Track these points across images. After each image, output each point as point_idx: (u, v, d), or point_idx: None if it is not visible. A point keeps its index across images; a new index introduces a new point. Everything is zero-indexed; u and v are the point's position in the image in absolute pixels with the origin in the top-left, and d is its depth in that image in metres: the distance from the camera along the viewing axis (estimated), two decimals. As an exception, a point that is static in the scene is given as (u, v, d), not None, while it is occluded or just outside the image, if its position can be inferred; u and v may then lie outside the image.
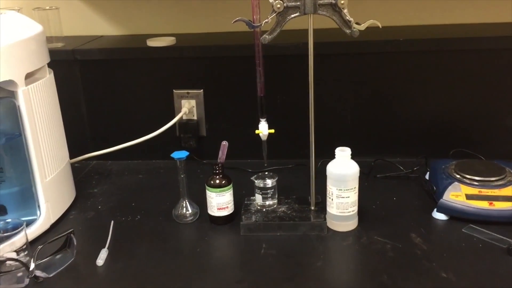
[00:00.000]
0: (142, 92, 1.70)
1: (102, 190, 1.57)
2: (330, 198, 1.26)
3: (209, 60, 1.65)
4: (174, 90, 1.68)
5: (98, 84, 1.70)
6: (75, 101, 1.72)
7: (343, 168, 1.24)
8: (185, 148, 1.68)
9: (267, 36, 1.16)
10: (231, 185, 1.32)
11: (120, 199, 1.50)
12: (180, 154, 1.32)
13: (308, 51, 1.20)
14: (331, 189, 1.25)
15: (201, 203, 1.35)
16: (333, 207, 1.26)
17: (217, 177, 1.30)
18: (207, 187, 1.31)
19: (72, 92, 1.70)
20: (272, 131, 1.29)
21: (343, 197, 1.24)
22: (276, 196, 1.34)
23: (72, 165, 1.67)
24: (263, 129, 1.28)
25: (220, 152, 1.31)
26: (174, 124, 1.66)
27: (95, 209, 1.45)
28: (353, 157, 1.26)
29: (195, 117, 1.69)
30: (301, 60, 1.25)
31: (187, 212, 1.35)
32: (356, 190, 1.25)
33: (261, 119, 1.28)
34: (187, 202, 1.36)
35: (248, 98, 1.45)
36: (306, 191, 1.36)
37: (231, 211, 1.33)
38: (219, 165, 1.31)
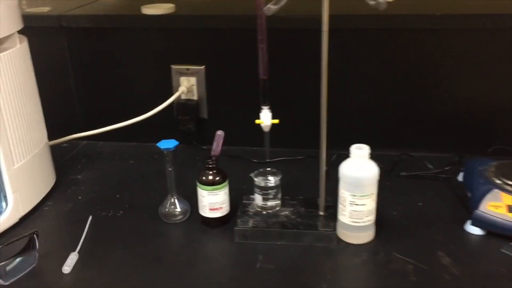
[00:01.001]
0: (136, 67, 1.50)
1: (86, 177, 1.39)
2: (342, 204, 1.06)
3: (213, 32, 1.44)
4: (172, 66, 1.48)
5: (87, 55, 1.51)
6: (62, 73, 1.53)
7: (359, 170, 1.02)
8: (183, 132, 1.49)
9: (271, 6, 0.94)
10: (226, 183, 1.12)
11: (104, 189, 1.32)
12: (167, 144, 1.12)
13: (321, 25, 0.97)
14: (344, 194, 1.04)
15: (196, 198, 1.15)
16: (345, 215, 1.05)
17: (210, 172, 1.11)
18: (198, 184, 1.12)
19: (59, 64, 1.52)
20: (276, 121, 1.08)
21: (358, 205, 1.03)
22: (280, 196, 1.14)
23: (59, 145, 1.50)
24: (265, 119, 1.07)
25: (214, 144, 1.11)
26: (171, 105, 1.46)
27: (74, 200, 1.27)
28: (374, 149, 1.04)
29: (195, 97, 1.49)
30: (315, 35, 1.03)
31: (176, 211, 1.16)
32: (374, 196, 1.04)
33: (263, 107, 1.07)
34: (176, 199, 1.17)
35: (257, 77, 1.24)
36: (315, 191, 1.16)
37: (226, 212, 1.13)
38: (213, 158, 1.11)
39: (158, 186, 1.29)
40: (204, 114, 1.51)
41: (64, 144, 1.54)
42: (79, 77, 1.54)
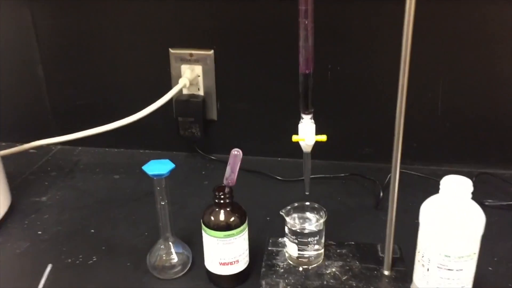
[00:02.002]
0: (123, 51, 1.13)
1: (53, 199, 1.03)
2: (423, 264, 0.69)
3: (225, 4, 1.06)
4: (170, 50, 1.10)
5: (58, 35, 1.14)
6: (26, 59, 1.16)
7: (458, 219, 0.65)
8: (185, 138, 1.13)
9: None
10: (245, 225, 0.76)
11: (75, 219, 0.97)
12: (158, 168, 0.76)
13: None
14: (429, 251, 0.68)
15: (201, 237, 0.79)
16: (428, 281, 0.69)
17: (222, 211, 0.75)
18: (203, 227, 0.76)
19: (22, 46, 1.15)
20: (324, 138, 0.71)
21: (452, 270, 0.67)
22: (323, 242, 0.78)
23: (25, 152, 1.14)
24: (307, 134, 0.70)
25: (229, 168, 0.75)
26: (170, 102, 1.09)
27: (31, 236, 0.92)
28: (442, 164, 0.69)
29: (200, 92, 1.12)
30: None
31: (171, 261, 0.80)
32: (476, 256, 0.67)
33: (303, 115, 0.71)
34: (172, 244, 0.81)
35: (284, 65, 0.87)
36: (368, 229, 0.82)
37: (243, 266, 0.78)
38: (226, 190, 0.75)
39: (151, 215, 0.93)
40: (213, 115, 1.14)
41: (32, 150, 1.18)
42: (48, 64, 1.17)
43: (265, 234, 0.86)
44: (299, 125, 0.72)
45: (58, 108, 1.21)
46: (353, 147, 1.13)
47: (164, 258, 0.80)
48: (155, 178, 0.76)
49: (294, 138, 0.71)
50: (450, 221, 0.65)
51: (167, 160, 0.77)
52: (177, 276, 0.81)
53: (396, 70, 0.63)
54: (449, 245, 0.66)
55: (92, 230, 0.93)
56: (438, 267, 0.67)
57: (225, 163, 0.86)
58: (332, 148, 1.12)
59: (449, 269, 0.67)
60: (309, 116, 0.70)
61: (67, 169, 1.15)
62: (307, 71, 0.67)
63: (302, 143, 0.72)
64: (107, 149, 1.22)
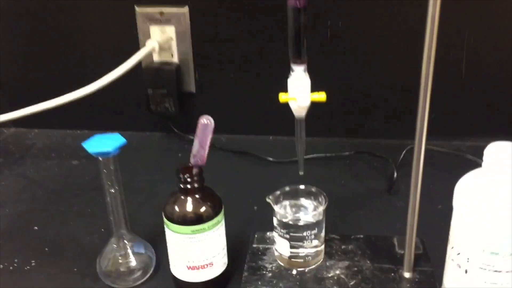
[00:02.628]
0: (81, 13, 0.94)
1: (-3, 190, 0.85)
2: (459, 264, 0.51)
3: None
4: (136, 8, 0.91)
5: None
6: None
7: (510, 203, 0.47)
8: (157, 114, 0.95)
9: None
10: (220, 217, 0.57)
11: (16, 213, 0.78)
12: (103, 144, 0.57)
13: None
14: (467, 247, 0.49)
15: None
16: (461, 282, 0.51)
17: (189, 199, 0.56)
18: (165, 221, 0.57)
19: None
20: (322, 97, 0.52)
21: (501, 272, 0.48)
22: (322, 236, 0.60)
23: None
24: (300, 92, 0.51)
25: (196, 143, 0.56)
26: (138, 70, 0.90)
27: (-38, 235, 0.73)
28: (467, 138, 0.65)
29: (175, 59, 0.93)
30: None
31: (128, 265, 0.62)
32: (533, 254, 0.49)
33: (294, 65, 0.52)
34: (128, 244, 0.63)
35: (275, 24, 0.69)
36: (381, 219, 0.64)
37: (219, 271, 0.59)
38: (194, 171, 0.56)
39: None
40: (190, 87, 0.95)
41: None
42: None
43: (252, 228, 0.68)
44: (289, 80, 0.53)
45: (7, 83, 1.02)
46: (359, 120, 0.94)
47: (119, 261, 0.62)
48: (100, 157, 0.57)
49: (282, 97, 0.52)
50: (500, 205, 0.47)
51: (117, 135, 0.59)
52: (137, 283, 0.63)
53: (407, 25, 0.45)
54: (497, 238, 0.47)
55: (36, 228, 0.74)
56: (481, 268, 0.49)
57: (178, 169, 0.68)
58: (333, 122, 0.95)
59: (496, 271, 0.48)
60: (302, 67, 0.52)
61: (18, 154, 0.96)
62: (297, 4, 0.48)
63: (293, 105, 0.53)
64: (68, 131, 1.03)
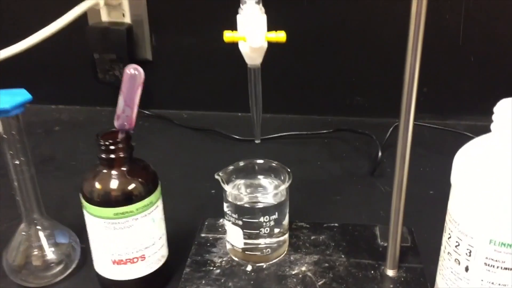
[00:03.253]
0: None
1: None
2: (458, 260, 0.39)
3: None
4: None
5: None
6: None
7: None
8: (108, 84, 0.82)
9: None
10: (155, 197, 0.45)
11: None
12: (2, 100, 0.44)
13: None
14: (468, 237, 0.37)
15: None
16: (460, 282, 0.38)
17: (113, 173, 0.44)
18: (83, 202, 0.45)
19: None
20: (282, 37, 0.40)
21: (510, 269, 0.36)
22: (285, 224, 0.47)
23: None
24: (251, 30, 0.39)
25: (122, 100, 0.43)
26: (80, 30, 0.77)
27: None
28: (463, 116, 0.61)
29: (126, 19, 0.80)
30: None
31: (43, 258, 0.50)
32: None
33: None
34: (42, 231, 0.50)
35: None
36: (362, 205, 0.53)
37: (155, 266, 0.47)
38: (120, 137, 0.44)
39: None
40: (146, 53, 0.83)
41: None
42: None
43: (207, 215, 0.56)
44: (238, 17, 0.40)
45: None
46: (340, 95, 0.82)
47: (33, 254, 0.49)
48: (-2, 118, 0.45)
49: (227, 35, 0.40)
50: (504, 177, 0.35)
51: (22, 90, 0.46)
52: (56, 280, 0.50)
53: None
54: (502, 220, 0.35)
55: None
56: (486, 263, 0.37)
57: (166, 120, 0.56)
58: (311, 98, 0.83)
59: (507, 268, 0.37)
60: (254, -1, 0.39)
61: None
62: None
63: (243, 47, 0.41)
64: None
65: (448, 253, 0.40)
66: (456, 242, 0.39)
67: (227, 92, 0.84)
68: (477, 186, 0.36)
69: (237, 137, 0.77)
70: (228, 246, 0.48)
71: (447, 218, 0.40)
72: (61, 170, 0.69)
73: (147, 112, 0.83)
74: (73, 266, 0.51)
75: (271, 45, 0.42)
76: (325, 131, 0.76)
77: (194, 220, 0.56)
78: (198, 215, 0.58)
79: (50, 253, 0.50)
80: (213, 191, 0.64)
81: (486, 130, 0.40)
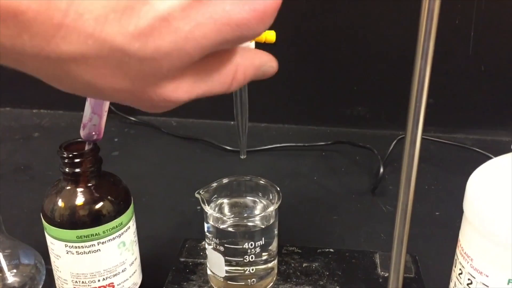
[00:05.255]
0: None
1: None
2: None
3: None
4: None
5: None
6: None
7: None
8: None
9: None
10: (126, 216, 0.39)
11: None
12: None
13: None
14: (485, 272, 0.32)
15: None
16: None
17: (78, 190, 0.38)
18: (44, 223, 0.39)
19: None
20: (271, 37, 0.34)
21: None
22: (275, 250, 0.42)
23: None
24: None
25: (89, 106, 0.38)
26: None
27: None
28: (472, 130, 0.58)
29: None
30: None
31: (3, 282, 0.44)
32: None
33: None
34: (0, 253, 0.44)
35: None
36: (361, 227, 0.47)
37: (127, 293, 0.41)
38: (86, 148, 0.38)
39: (13, 200, 0.58)
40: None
41: None
42: None
43: (190, 235, 0.50)
44: None
45: None
46: (340, 105, 0.77)
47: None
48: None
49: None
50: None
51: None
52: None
53: None
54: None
55: None
56: (505, 308, 0.32)
57: (153, 128, 0.51)
58: (309, 107, 0.77)
59: (530, 315, 0.31)
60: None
61: None
62: None
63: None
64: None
65: (456, 280, 0.35)
66: (469, 280, 0.34)
67: (219, 100, 0.78)
68: (495, 217, 0.31)
69: (228, 147, 0.72)
70: (209, 273, 0.43)
71: (458, 250, 0.35)
72: (36, 180, 0.64)
73: (133, 118, 0.78)
74: (37, 291, 0.46)
75: (266, 49, 0.37)
76: (323, 143, 0.71)
77: (175, 240, 0.51)
78: (180, 234, 0.52)
79: (10, 276, 0.45)
80: (198, 208, 0.59)
81: (497, 144, 0.35)
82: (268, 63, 0.27)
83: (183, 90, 0.23)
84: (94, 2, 0.19)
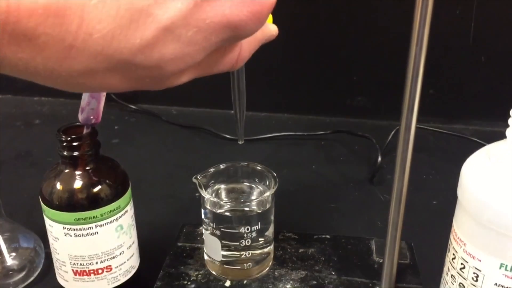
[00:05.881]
0: None
1: None
2: (463, 284, 0.33)
3: None
4: None
5: None
6: None
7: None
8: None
9: None
10: (124, 200, 0.40)
11: None
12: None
13: None
14: (477, 257, 0.32)
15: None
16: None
17: (76, 173, 0.39)
18: (43, 206, 0.40)
19: None
20: (269, 20, 0.35)
21: (527, 302, 0.31)
22: (271, 235, 0.42)
23: None
24: None
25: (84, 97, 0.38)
26: None
27: None
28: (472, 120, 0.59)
29: None
30: None
31: (2, 264, 0.45)
32: None
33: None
34: (0, 236, 0.45)
35: None
36: (358, 214, 0.48)
37: (123, 279, 0.42)
38: (84, 132, 0.39)
39: (12, 188, 0.58)
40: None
41: None
42: None
43: (188, 221, 0.51)
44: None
45: None
46: (340, 95, 0.77)
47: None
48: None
49: None
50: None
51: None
52: (16, 289, 0.45)
53: None
54: (526, 248, 0.30)
55: None
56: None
57: (154, 116, 0.51)
58: (309, 97, 0.78)
59: (521, 299, 0.31)
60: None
61: None
62: None
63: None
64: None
65: (452, 275, 0.35)
66: (461, 264, 0.34)
67: (220, 88, 0.78)
68: (487, 202, 0.31)
69: (227, 136, 0.72)
70: (206, 258, 0.43)
71: (452, 236, 0.35)
72: (36, 166, 0.64)
73: (133, 107, 0.79)
74: (36, 273, 0.46)
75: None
76: (322, 132, 0.71)
77: (173, 226, 0.51)
78: (178, 220, 0.52)
79: (10, 259, 0.45)
80: (197, 194, 0.59)
81: (497, 135, 0.35)
82: (269, 34, 0.28)
83: (187, 77, 0.25)
84: (101, 19, 0.20)
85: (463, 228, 0.34)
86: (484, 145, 0.66)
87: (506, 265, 0.32)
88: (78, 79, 0.22)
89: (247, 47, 0.27)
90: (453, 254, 0.35)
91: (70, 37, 0.19)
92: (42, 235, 0.48)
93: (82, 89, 0.24)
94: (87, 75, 0.21)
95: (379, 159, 0.62)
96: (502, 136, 0.33)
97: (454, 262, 0.35)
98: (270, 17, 0.35)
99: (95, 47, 0.20)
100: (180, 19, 0.21)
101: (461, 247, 0.34)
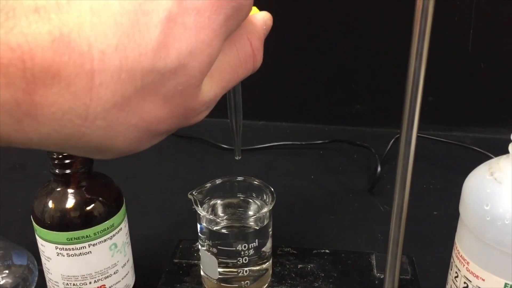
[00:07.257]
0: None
1: None
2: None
3: None
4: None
5: None
6: None
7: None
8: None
9: None
10: (118, 218, 0.39)
11: None
12: None
13: None
14: (477, 277, 0.31)
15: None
16: None
17: (68, 191, 0.38)
18: (34, 225, 0.39)
19: None
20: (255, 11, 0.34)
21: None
22: (268, 251, 0.41)
23: None
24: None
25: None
26: None
27: None
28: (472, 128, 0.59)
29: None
30: None
31: (-5, 282, 0.44)
32: None
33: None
34: (-7, 253, 0.44)
35: None
36: (358, 227, 0.47)
37: (120, 296, 0.41)
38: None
39: (7, 201, 0.57)
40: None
41: None
42: None
43: (185, 236, 0.50)
44: None
45: None
46: (338, 103, 0.76)
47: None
48: None
49: None
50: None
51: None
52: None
53: None
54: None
55: None
56: (502, 313, 0.31)
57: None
58: (307, 105, 0.77)
59: (527, 320, 0.30)
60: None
61: None
62: None
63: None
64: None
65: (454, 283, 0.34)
66: (464, 283, 0.33)
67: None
68: (490, 221, 0.30)
69: (225, 146, 0.71)
70: (203, 274, 0.42)
71: (454, 253, 0.34)
72: (31, 179, 0.63)
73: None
74: (28, 292, 0.45)
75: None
76: (320, 142, 0.70)
77: (169, 240, 0.50)
78: (175, 234, 0.52)
79: (2, 277, 0.44)
80: (193, 208, 0.58)
81: (496, 143, 0.34)
82: (265, 18, 0.27)
83: (218, 85, 0.23)
84: (105, 33, 0.18)
85: (466, 246, 0.33)
86: (483, 153, 0.65)
87: (511, 285, 0.31)
88: (115, 113, 0.19)
89: (256, 38, 0.25)
90: (456, 272, 0.34)
91: (86, 61, 0.18)
92: (36, 251, 0.47)
93: (126, 130, 0.20)
94: (120, 105, 0.19)
95: (379, 168, 0.61)
96: (502, 143, 0.32)
97: (456, 281, 0.34)
98: (255, 9, 0.34)
99: (113, 63, 0.18)
100: (175, 6, 0.20)
101: (464, 265, 0.33)
